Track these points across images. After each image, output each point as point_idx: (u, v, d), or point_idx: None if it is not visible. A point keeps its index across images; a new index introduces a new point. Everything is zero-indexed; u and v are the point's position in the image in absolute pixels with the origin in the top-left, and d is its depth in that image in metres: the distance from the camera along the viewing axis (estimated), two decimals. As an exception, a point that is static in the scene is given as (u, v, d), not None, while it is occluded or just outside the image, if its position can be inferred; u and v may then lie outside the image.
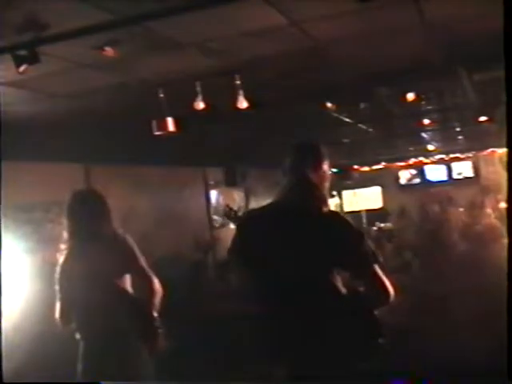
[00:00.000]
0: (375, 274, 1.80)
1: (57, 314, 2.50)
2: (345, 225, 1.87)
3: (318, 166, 1.94)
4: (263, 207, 2.07)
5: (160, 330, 2.44)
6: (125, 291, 2.45)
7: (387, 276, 1.83)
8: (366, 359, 1.82)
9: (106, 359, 2.33)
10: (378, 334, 1.84)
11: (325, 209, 1.88)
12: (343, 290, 1.84)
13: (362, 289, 1.85)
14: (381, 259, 1.84)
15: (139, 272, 2.46)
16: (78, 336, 2.46)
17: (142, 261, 2.48)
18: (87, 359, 2.41)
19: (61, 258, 2.51)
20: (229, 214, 2.38)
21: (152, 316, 2.42)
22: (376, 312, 1.85)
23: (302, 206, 1.86)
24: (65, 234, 2.50)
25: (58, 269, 2.51)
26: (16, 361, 2.98)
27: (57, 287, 2.49)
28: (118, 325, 2.35)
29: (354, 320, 1.80)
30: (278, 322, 1.82)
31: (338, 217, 1.92)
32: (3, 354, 2.28)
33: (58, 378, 2.68)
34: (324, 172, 1.95)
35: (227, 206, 2.34)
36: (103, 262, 2.35)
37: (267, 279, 1.83)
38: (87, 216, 2.45)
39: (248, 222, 2.00)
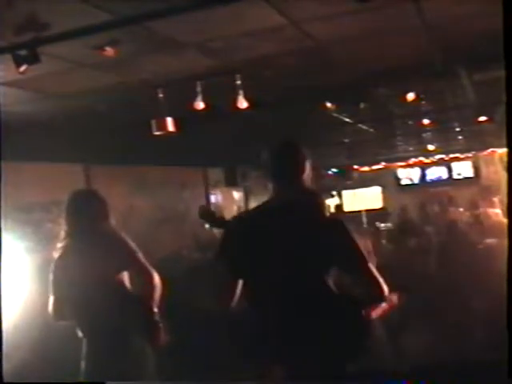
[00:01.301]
0: (369, 271, 1.80)
1: (50, 308, 2.50)
2: (336, 224, 1.86)
3: (302, 166, 1.91)
4: (252, 211, 2.04)
5: (161, 324, 2.44)
6: (124, 287, 2.45)
7: (381, 274, 1.83)
8: (355, 360, 1.82)
9: (109, 357, 2.33)
10: (369, 336, 1.84)
11: (315, 209, 1.88)
12: (336, 291, 1.84)
13: (356, 288, 1.85)
14: (375, 258, 1.84)
15: (138, 267, 2.46)
16: (80, 334, 2.46)
17: (141, 256, 2.48)
18: (90, 357, 2.41)
19: (56, 255, 2.52)
20: (205, 215, 2.24)
21: (152, 311, 2.42)
22: (367, 314, 1.85)
23: (292, 209, 1.85)
24: (62, 233, 2.51)
25: (52, 264, 2.51)
26: (16, 361, 2.98)
27: (50, 282, 2.49)
28: (119, 322, 2.35)
29: (345, 321, 1.80)
30: (271, 324, 1.81)
31: (329, 216, 1.91)
32: (3, 354, 2.28)
33: (59, 377, 2.68)
34: (308, 171, 1.93)
35: (202, 207, 2.23)
36: (101, 259, 2.35)
37: (259, 283, 1.83)
38: (84, 215, 2.46)
39: (238, 226, 1.96)
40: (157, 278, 2.47)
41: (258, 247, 1.84)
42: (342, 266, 1.83)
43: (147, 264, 2.48)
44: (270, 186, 1.92)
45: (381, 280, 1.81)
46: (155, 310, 2.45)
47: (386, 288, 1.81)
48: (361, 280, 1.81)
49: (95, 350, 2.39)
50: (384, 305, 1.86)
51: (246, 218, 2.04)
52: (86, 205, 2.49)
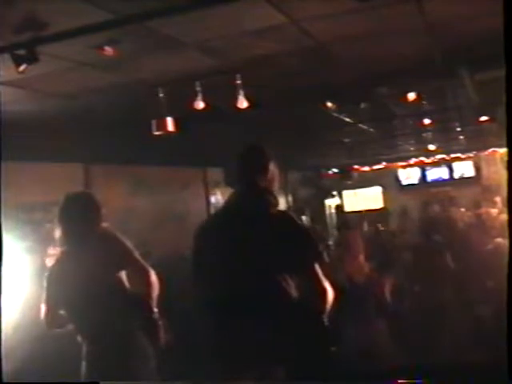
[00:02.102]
0: (314, 274, 1.78)
1: (42, 317, 2.49)
2: (289, 224, 1.86)
3: (264, 168, 1.93)
4: (214, 216, 2.05)
5: (160, 323, 2.44)
6: (123, 287, 2.44)
7: (328, 278, 1.81)
8: (318, 365, 1.80)
9: (111, 358, 2.33)
10: (328, 341, 1.82)
11: (273, 211, 1.87)
12: (294, 295, 1.82)
13: (304, 290, 1.83)
14: (326, 258, 1.84)
15: (135, 266, 2.46)
16: (79, 339, 2.45)
17: (137, 255, 2.48)
18: (91, 359, 2.41)
19: (51, 262, 2.52)
20: None
21: (151, 309, 2.42)
22: (326, 319, 1.82)
23: (251, 212, 1.86)
24: (56, 238, 2.51)
25: (47, 272, 2.50)
26: (16, 361, 2.98)
27: (44, 290, 2.48)
28: (119, 322, 2.35)
29: (304, 326, 1.78)
30: (236, 330, 1.80)
31: (284, 217, 1.91)
32: (3, 354, 2.27)
33: (58, 378, 2.67)
34: (271, 173, 1.94)
35: None
36: (99, 260, 2.34)
37: (223, 289, 1.84)
38: (77, 218, 2.44)
39: (201, 233, 1.98)
40: (154, 277, 2.46)
41: (222, 252, 1.85)
42: (289, 268, 1.82)
43: (144, 263, 2.48)
44: (233, 188, 1.94)
45: (325, 283, 1.79)
46: (154, 309, 2.44)
47: (330, 292, 1.79)
48: (306, 281, 1.81)
49: (96, 351, 2.38)
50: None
51: (209, 225, 2.05)
52: (77, 208, 2.48)
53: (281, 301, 1.79)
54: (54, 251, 2.54)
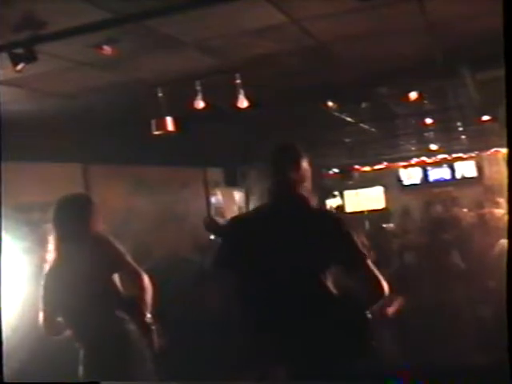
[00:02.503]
0: (369, 269, 1.79)
1: (41, 324, 2.47)
2: (335, 221, 1.87)
3: (298, 165, 1.92)
4: (249, 213, 2.03)
5: (153, 327, 2.42)
6: (116, 290, 2.43)
7: (381, 272, 1.82)
8: (356, 360, 1.80)
9: (107, 361, 2.31)
10: (370, 336, 1.82)
11: (313, 207, 1.88)
12: (335, 291, 1.83)
13: (356, 286, 1.83)
14: (373, 256, 1.84)
15: (128, 269, 2.44)
16: (77, 344, 2.45)
17: (129, 258, 2.46)
18: (88, 362, 2.40)
19: (46, 266, 2.51)
20: (209, 225, 2.26)
21: (144, 313, 2.40)
22: (368, 314, 1.83)
23: (290, 208, 1.86)
24: (50, 242, 2.50)
25: (43, 278, 2.48)
26: (16, 361, 2.97)
27: (41, 296, 2.46)
28: (113, 325, 2.34)
29: (346, 321, 1.79)
30: (273, 325, 1.80)
31: (327, 213, 1.92)
32: (3, 354, 2.26)
33: (58, 378, 2.66)
34: (305, 170, 1.94)
35: (207, 218, 2.22)
36: (90, 264, 2.33)
37: (261, 284, 1.82)
38: (69, 220, 2.43)
39: (235, 229, 1.96)
40: (146, 280, 2.44)
41: (257, 249, 1.82)
42: (342, 262, 1.83)
43: (136, 266, 2.46)
44: (268, 186, 1.92)
45: (380, 277, 1.79)
46: (147, 312, 2.42)
47: (385, 285, 1.79)
48: (360, 277, 1.80)
49: (92, 355, 2.37)
50: (394, 304, 1.84)
51: (243, 221, 2.02)
52: (70, 210, 2.47)
53: (325, 296, 1.79)
54: (49, 257, 2.52)
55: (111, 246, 2.44)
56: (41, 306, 2.48)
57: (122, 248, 2.46)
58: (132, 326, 2.40)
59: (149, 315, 2.43)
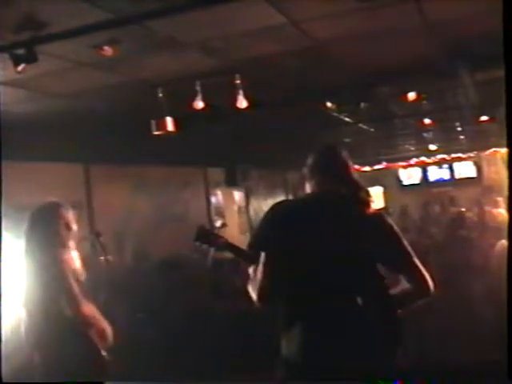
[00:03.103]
0: (417, 266, 1.82)
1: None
2: (382, 219, 1.89)
3: (346, 162, 1.98)
4: (297, 200, 2.03)
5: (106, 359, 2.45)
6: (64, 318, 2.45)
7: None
8: (396, 357, 1.83)
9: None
10: (401, 337, 1.85)
11: (363, 205, 1.89)
12: (382, 287, 1.84)
13: (404, 283, 1.84)
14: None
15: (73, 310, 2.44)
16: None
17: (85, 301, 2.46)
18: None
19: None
20: (203, 236, 1.96)
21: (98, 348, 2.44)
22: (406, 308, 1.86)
23: (341, 203, 1.87)
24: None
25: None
26: (16, 361, 2.97)
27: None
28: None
29: (390, 317, 1.81)
30: (314, 318, 1.78)
31: (376, 212, 1.93)
32: (3, 354, 2.26)
33: (58, 378, 2.67)
34: (352, 168, 1.99)
35: (201, 228, 2.00)
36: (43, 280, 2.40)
37: (304, 276, 1.79)
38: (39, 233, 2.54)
39: (282, 214, 1.90)
40: (109, 330, 2.46)
41: (302, 239, 1.81)
42: (389, 260, 1.84)
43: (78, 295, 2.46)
44: (314, 180, 1.94)
45: (427, 275, 1.82)
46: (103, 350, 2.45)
47: (431, 283, 1.82)
48: (409, 275, 1.82)
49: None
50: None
51: (290, 207, 1.97)
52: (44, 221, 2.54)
53: (370, 294, 1.79)
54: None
55: (66, 284, 2.43)
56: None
57: (76, 290, 2.45)
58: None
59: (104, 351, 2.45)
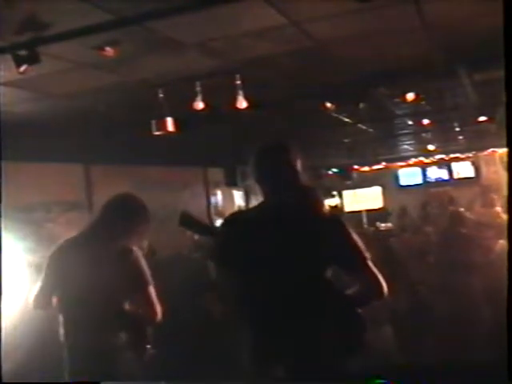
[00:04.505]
0: (369, 268, 1.81)
1: (31, 297, 2.40)
2: (335, 221, 1.87)
3: (294, 164, 1.90)
4: (247, 210, 2.00)
5: (148, 346, 2.36)
6: (121, 307, 2.33)
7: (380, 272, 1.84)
8: (353, 355, 1.82)
9: (86, 360, 2.26)
10: (364, 329, 1.84)
11: (312, 207, 1.88)
12: (333, 289, 1.85)
13: (355, 285, 1.84)
14: (369, 255, 1.85)
15: (145, 300, 2.31)
16: (61, 334, 2.37)
17: (150, 288, 2.32)
18: (69, 356, 2.33)
19: (66, 244, 2.41)
20: (186, 222, 2.01)
21: (144, 336, 2.34)
22: (360, 309, 1.85)
23: (290, 207, 1.84)
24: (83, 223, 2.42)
25: (52, 251, 2.40)
26: (16, 361, 2.98)
27: (45, 266, 2.39)
28: (105, 331, 2.28)
29: (343, 319, 1.81)
30: (269, 323, 1.80)
31: (327, 214, 1.92)
32: (3, 354, 2.26)
33: (58, 378, 2.68)
34: (301, 169, 1.92)
35: (183, 213, 2.06)
36: (105, 277, 2.23)
37: (257, 282, 1.82)
38: (116, 219, 2.36)
39: (234, 225, 1.93)
40: (159, 314, 2.33)
41: (255, 248, 1.82)
42: (342, 264, 1.83)
43: (154, 299, 2.33)
44: (261, 187, 1.89)
45: (380, 277, 1.81)
46: (147, 345, 2.36)
47: (385, 285, 1.81)
48: (361, 278, 1.81)
49: (75, 354, 2.31)
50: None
51: (242, 219, 1.98)
52: (123, 211, 2.40)
53: (322, 295, 1.80)
54: (72, 235, 2.41)
55: (137, 271, 2.31)
56: (40, 276, 2.40)
57: (148, 276, 2.34)
58: (124, 337, 2.32)
59: (148, 346, 2.36)
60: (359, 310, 1.84)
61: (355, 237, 1.84)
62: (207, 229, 2.15)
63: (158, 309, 2.34)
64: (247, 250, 1.83)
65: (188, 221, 2.12)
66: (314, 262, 1.80)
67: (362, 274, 1.80)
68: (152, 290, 2.34)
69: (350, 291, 1.84)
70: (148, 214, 2.51)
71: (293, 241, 1.79)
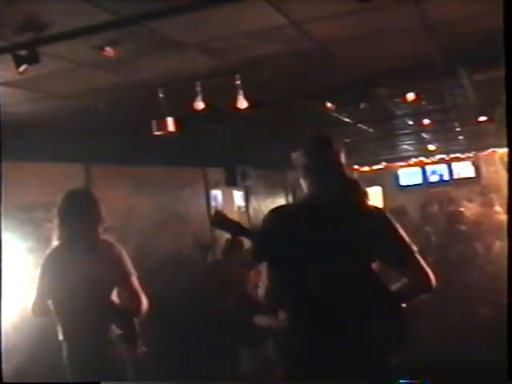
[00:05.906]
0: (418, 262, 1.81)
1: (29, 305, 2.48)
2: (382, 215, 1.88)
3: (341, 159, 1.94)
4: (294, 205, 2.00)
5: (139, 342, 2.42)
6: (109, 301, 2.40)
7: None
8: (398, 354, 1.84)
9: (84, 360, 2.32)
10: (407, 327, 1.85)
11: (360, 202, 1.88)
12: (382, 283, 1.84)
13: (403, 279, 1.84)
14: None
15: (130, 290, 2.38)
16: (60, 336, 2.44)
17: (134, 279, 2.40)
18: (71, 359, 2.39)
19: (47, 254, 2.50)
20: (222, 223, 2.19)
21: (133, 328, 2.40)
22: (406, 303, 1.85)
23: (339, 202, 1.85)
24: (54, 233, 2.49)
25: (43, 260, 2.49)
26: (16, 361, 2.98)
27: (39, 274, 2.47)
28: (98, 327, 2.34)
29: (391, 314, 1.81)
30: (324, 320, 1.79)
31: (373, 208, 1.91)
32: (3, 354, 2.27)
33: (58, 378, 2.68)
34: (345, 163, 1.95)
35: (217, 213, 2.03)
36: (91, 272, 2.31)
37: (304, 278, 1.80)
38: (77, 216, 2.42)
39: (280, 219, 1.90)
40: (144, 304, 2.40)
41: (306, 244, 1.81)
42: (390, 257, 1.83)
43: (138, 288, 2.40)
44: (310, 182, 1.91)
45: (429, 270, 1.82)
46: (136, 328, 2.42)
47: (433, 278, 1.82)
48: (410, 271, 1.81)
49: (74, 353, 2.37)
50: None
51: (289, 215, 1.95)
52: (77, 206, 2.46)
53: (370, 290, 1.80)
54: (55, 244, 2.52)
55: (119, 262, 2.39)
56: (35, 285, 2.47)
57: (130, 266, 2.41)
58: (116, 332, 2.38)
59: (139, 341, 2.41)
60: (404, 305, 1.84)
61: (401, 230, 1.85)
62: (241, 229, 2.13)
63: (144, 300, 2.39)
64: (298, 247, 1.81)
65: (220, 220, 2.11)
66: (363, 257, 1.80)
67: (412, 267, 1.80)
68: (135, 281, 2.41)
69: (396, 285, 1.84)
70: (95, 197, 2.56)
71: (343, 235, 1.79)
